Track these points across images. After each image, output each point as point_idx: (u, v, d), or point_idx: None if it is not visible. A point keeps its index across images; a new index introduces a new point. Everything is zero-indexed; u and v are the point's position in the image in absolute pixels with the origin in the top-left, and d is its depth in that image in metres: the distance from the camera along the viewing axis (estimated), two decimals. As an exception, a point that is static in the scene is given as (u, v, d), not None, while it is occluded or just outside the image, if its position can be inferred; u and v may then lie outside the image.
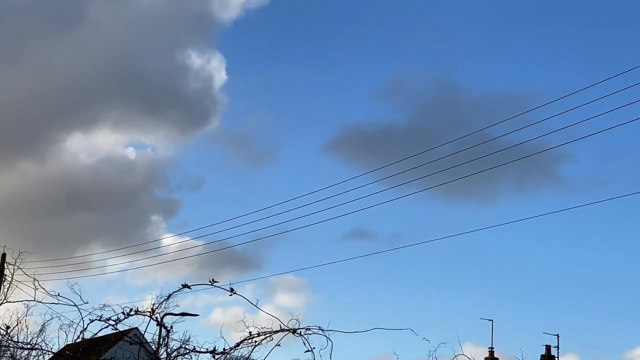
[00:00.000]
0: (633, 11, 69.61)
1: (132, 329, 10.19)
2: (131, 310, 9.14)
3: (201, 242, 41.50)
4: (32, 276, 11.23)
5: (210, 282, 9.02)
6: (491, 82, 73.37)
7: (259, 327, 8.74)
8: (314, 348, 8.54)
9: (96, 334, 9.46)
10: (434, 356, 12.92)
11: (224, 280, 9.42)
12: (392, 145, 61.80)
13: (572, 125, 23.70)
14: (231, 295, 8.92)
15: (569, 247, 64.65)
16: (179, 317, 20.06)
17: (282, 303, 62.16)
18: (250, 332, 8.79)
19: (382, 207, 30.76)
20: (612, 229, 64.08)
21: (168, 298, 9.50)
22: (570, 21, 71.95)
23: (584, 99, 22.83)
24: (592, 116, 22.83)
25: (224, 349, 9.02)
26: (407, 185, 29.55)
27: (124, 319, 9.20)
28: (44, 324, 18.32)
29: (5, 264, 31.48)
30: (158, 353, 10.72)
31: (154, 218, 73.14)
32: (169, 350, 9.63)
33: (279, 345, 8.75)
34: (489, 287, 62.47)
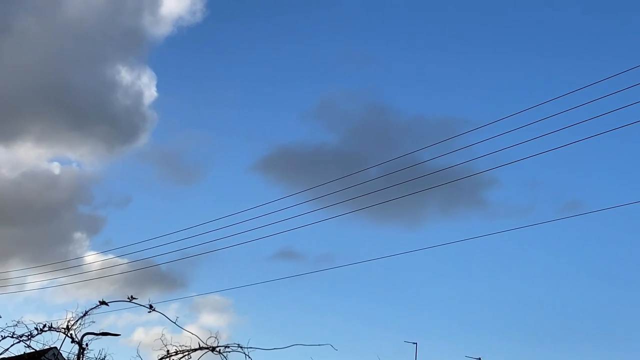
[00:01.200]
0: (560, 40, 71.53)
1: (51, 348, 9.84)
2: (44, 326, 8.82)
3: (126, 260, 40.69)
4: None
5: (129, 299, 8.79)
6: (421, 106, 74.25)
7: (178, 345, 8.53)
8: (233, 367, 8.38)
9: (7, 349, 9.10)
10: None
11: (148, 299, 9.18)
12: (321, 166, 61.79)
13: (499, 151, 24.05)
14: (150, 312, 8.70)
15: (492, 271, 65.60)
16: (99, 336, 19.52)
17: (207, 323, 61.23)
18: (167, 351, 8.58)
19: (310, 227, 30.71)
20: (533, 254, 65.27)
21: (85, 315, 9.22)
22: (500, 48, 73.51)
23: (510, 125, 23.20)
24: (518, 143, 23.21)
25: (140, 367, 8.78)
26: (336, 207, 29.54)
27: (36, 334, 8.87)
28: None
29: None
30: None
31: (77, 235, 71.47)
32: (83, 369, 9.31)
33: (197, 363, 8.56)
34: (414, 310, 62.79)
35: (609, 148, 62.62)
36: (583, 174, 64.93)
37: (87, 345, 9.39)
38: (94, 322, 9.13)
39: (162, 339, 8.54)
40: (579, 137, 22.02)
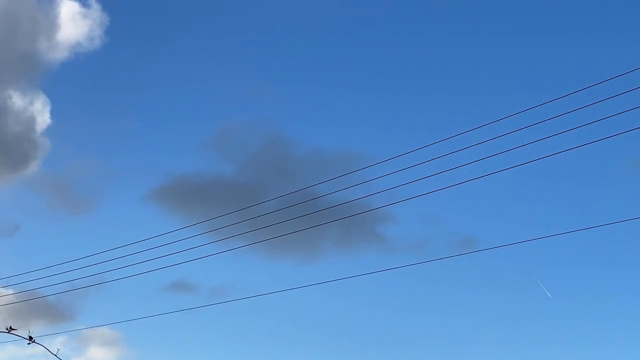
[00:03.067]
0: (458, 77, 73.54)
1: None
2: None
3: (11, 291, 39.03)
4: None
5: (7, 329, 8.27)
6: (320, 139, 74.74)
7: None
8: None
9: None
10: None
11: (28, 330, 8.65)
12: (218, 198, 61.23)
13: (396, 187, 24.33)
14: (30, 344, 8.21)
15: (389, 305, 66.19)
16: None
17: (96, 357, 59.31)
18: (48, 385, 8.09)
19: (205, 260, 30.12)
20: (428, 290, 66.27)
21: (-42, 347, 8.61)
22: (399, 83, 75.04)
23: (408, 161, 23.49)
24: (415, 179, 23.54)
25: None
26: (232, 239, 29.15)
27: None
28: None
29: None
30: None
31: (-40, 264, 68.43)
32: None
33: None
34: (309, 344, 62.65)
35: (502, 186, 64.48)
36: (477, 211, 66.56)
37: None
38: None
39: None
40: (475, 174, 22.49)
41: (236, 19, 77.33)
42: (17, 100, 70.71)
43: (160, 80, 78.17)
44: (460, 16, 73.39)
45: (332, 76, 75.31)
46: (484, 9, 72.00)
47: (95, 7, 72.95)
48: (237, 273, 64.67)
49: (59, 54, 73.42)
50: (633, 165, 55.91)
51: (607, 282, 62.06)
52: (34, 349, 7.96)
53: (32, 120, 69.19)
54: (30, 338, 7.97)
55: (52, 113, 71.31)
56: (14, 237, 68.51)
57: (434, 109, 71.85)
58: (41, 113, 74.78)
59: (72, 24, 72.92)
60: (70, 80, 78.94)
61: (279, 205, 27.79)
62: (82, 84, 79.30)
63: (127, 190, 73.71)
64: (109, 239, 65.43)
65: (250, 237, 28.39)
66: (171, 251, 29.21)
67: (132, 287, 72.30)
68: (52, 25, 71.67)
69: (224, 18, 77.58)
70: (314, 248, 58.16)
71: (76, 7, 72.40)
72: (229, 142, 70.69)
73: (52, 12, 70.35)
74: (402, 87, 73.72)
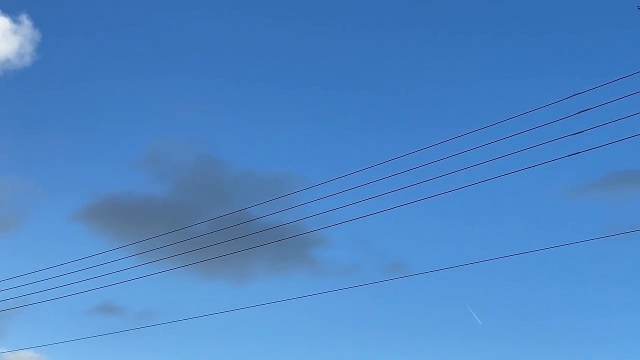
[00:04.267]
0: (390, 102, 74.29)
1: None
2: None
3: None
4: None
5: None
6: (253, 161, 74.42)
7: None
8: None
9: None
10: None
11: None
12: (149, 218, 60.39)
13: (329, 211, 24.40)
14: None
15: (321, 329, 66.03)
16: None
17: (19, 381, 57.55)
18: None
19: (134, 281, 29.59)
20: (361, 313, 66.39)
21: None
22: (332, 107, 75.41)
23: (340, 185, 23.60)
24: (347, 204, 23.65)
25: None
26: (163, 261, 28.73)
27: None
28: None
29: None
30: None
31: None
32: None
33: None
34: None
35: (434, 211, 65.09)
36: (408, 236, 67.06)
37: None
38: None
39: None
40: (407, 199, 22.65)
41: (170, 37, 76.92)
42: (-58, 116, 68.84)
43: (91, 98, 77.09)
44: (391, 42, 74.45)
45: (266, 96, 75.36)
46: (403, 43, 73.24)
47: (27, 23, 71.73)
48: (167, 295, 63.73)
49: (-13, 71, 71.85)
50: (562, 193, 57.20)
51: (536, 308, 63.22)
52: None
53: (-43, 137, 67.43)
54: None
55: (-21, 130, 69.68)
56: None
57: (366, 132, 72.50)
58: (-33, 129, 72.93)
59: (2, 40, 71.52)
60: (-1, 97, 77.34)
61: (211, 227, 27.54)
62: (10, 101, 77.66)
63: (54, 209, 72.12)
64: (34, 259, 63.85)
65: (181, 259, 28.05)
66: (99, 273, 28.67)
67: (58, 309, 70.57)
68: (-19, 41, 70.25)
69: (157, 36, 77.04)
70: (246, 270, 57.79)
71: (6, 23, 71.12)
72: (161, 162, 69.97)
73: (-19, 26, 69.00)
74: (335, 111, 74.22)
